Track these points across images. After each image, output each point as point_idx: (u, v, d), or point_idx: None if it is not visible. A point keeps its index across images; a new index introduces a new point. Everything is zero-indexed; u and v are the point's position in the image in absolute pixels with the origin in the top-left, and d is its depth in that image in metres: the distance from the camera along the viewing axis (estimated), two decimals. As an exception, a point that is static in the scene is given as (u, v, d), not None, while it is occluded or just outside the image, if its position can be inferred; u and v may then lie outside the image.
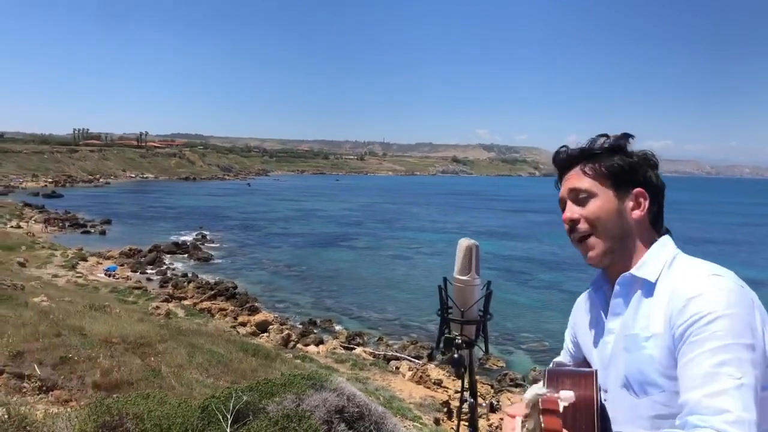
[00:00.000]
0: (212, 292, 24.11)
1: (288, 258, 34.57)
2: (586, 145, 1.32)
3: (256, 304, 22.95)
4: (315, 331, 19.90)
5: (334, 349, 17.36)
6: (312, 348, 17.24)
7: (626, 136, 1.31)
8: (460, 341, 1.30)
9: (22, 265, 25.07)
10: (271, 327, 19.39)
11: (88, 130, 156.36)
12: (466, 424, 1.44)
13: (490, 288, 1.37)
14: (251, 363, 9.45)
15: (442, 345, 1.34)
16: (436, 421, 10.69)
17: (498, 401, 13.40)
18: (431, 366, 15.58)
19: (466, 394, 1.40)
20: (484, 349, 1.39)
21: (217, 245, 39.03)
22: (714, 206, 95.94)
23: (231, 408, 2.82)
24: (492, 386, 15.11)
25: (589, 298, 1.42)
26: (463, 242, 1.35)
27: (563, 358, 1.50)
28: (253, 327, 19.19)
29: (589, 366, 1.36)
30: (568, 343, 1.49)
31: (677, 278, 1.20)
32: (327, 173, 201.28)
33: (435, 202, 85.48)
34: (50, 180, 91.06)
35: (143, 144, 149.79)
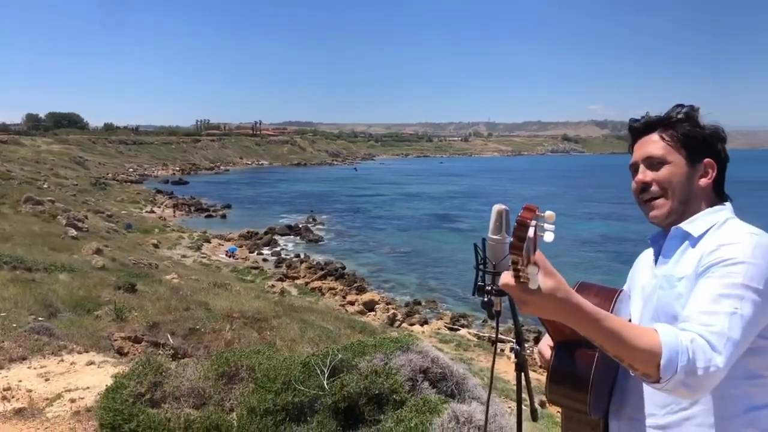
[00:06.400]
0: (322, 272, 25.26)
1: (393, 240, 35.22)
2: (664, 114, 1.45)
3: (364, 284, 23.74)
4: (420, 311, 20.24)
5: (439, 329, 17.58)
6: (417, 327, 17.58)
7: (695, 108, 1.43)
8: (489, 288, 1.50)
9: (155, 246, 27.77)
10: (377, 306, 19.99)
11: (208, 121, 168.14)
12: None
13: None
14: (358, 339, 9.87)
15: (476, 292, 1.54)
16: (542, 404, 10.56)
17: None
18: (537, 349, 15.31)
19: (513, 343, 1.63)
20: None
21: (327, 227, 40.63)
22: None
23: (328, 363, 3.16)
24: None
25: (647, 252, 1.56)
26: (496, 207, 1.56)
27: None
28: (361, 306, 19.89)
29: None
30: (626, 286, 1.61)
31: (719, 234, 1.32)
32: (431, 156, 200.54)
33: (542, 184, 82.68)
34: (177, 168, 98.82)
35: (258, 132, 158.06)
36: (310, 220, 42.80)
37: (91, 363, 4.99)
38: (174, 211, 45.33)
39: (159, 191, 59.15)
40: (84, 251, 17.34)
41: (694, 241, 1.35)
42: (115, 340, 6.92)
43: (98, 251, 17.58)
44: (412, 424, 2.82)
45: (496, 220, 1.60)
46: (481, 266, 1.59)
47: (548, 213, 1.12)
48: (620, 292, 1.42)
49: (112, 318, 8.08)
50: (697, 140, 1.40)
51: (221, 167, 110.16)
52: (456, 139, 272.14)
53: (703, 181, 1.39)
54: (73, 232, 22.69)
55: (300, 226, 39.36)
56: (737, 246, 1.24)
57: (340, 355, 3.28)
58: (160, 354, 6.91)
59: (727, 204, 1.41)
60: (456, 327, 18.26)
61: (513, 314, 1.58)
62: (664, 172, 1.40)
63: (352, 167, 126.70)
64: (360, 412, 3.07)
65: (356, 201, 56.65)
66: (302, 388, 3.09)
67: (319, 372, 3.15)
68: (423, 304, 21.34)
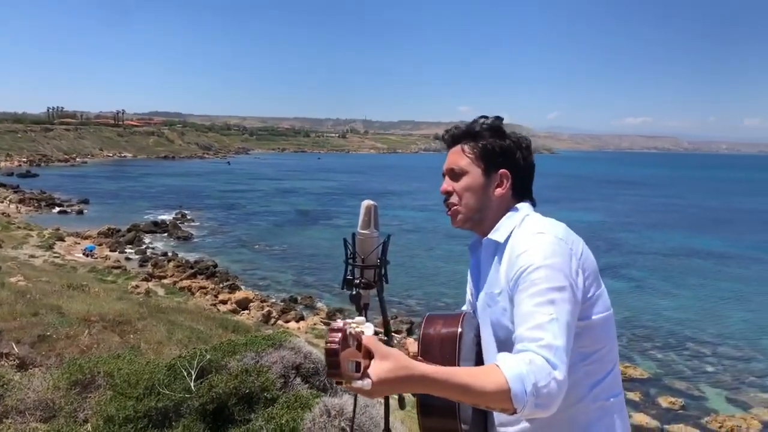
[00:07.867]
0: (192, 271, 24.10)
1: (269, 236, 34.55)
2: (468, 125, 1.55)
3: (237, 282, 23.04)
4: (296, 307, 20.08)
5: (315, 325, 17.59)
6: (293, 324, 17.44)
7: (500, 119, 1.55)
8: (358, 282, 1.55)
9: (-3, 245, 24.78)
10: (251, 304, 19.52)
11: (62, 108, 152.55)
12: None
13: (387, 240, 1.63)
14: (229, 339, 9.56)
15: (344, 286, 1.58)
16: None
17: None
18: (410, 340, 15.85)
19: (381, 334, 1.62)
20: (381, 289, 1.62)
21: (198, 224, 38.83)
22: (684, 180, 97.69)
23: (195, 365, 3.04)
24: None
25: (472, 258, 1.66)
26: (365, 203, 1.64)
27: (466, 308, 1.71)
28: (234, 305, 19.30)
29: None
30: (468, 296, 1.71)
31: (515, 241, 1.42)
32: (308, 151, 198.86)
33: (416, 181, 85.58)
34: (24, 160, 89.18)
35: (120, 123, 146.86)
36: (180, 216, 40.65)
37: None
38: (19, 207, 40.89)
39: (1, 184, 53.11)
40: None
41: (501, 249, 1.45)
42: (-55, 352, 6.09)
43: (-77, 252, 15.33)
44: (283, 421, 2.79)
45: (365, 215, 1.65)
46: (350, 260, 1.63)
47: (358, 319, 1.23)
48: (464, 315, 1.51)
49: (-60, 328, 7.10)
50: (495, 152, 1.49)
51: (77, 159, 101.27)
52: (333, 135, 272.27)
53: (498, 191, 1.50)
54: None
55: (168, 222, 37.22)
56: (529, 252, 1.34)
57: (208, 356, 3.17)
58: (2, 365, 6.20)
59: (524, 204, 1.52)
60: (331, 322, 18.37)
61: (381, 306, 1.63)
62: (462, 183, 1.51)
63: (225, 161, 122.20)
64: (230, 412, 2.99)
65: (230, 196, 54.72)
66: (167, 392, 2.94)
67: (185, 374, 3.01)
68: (299, 300, 21.19)
